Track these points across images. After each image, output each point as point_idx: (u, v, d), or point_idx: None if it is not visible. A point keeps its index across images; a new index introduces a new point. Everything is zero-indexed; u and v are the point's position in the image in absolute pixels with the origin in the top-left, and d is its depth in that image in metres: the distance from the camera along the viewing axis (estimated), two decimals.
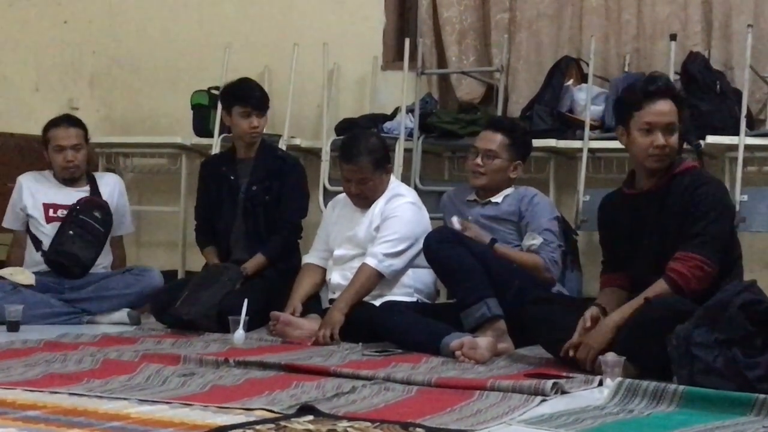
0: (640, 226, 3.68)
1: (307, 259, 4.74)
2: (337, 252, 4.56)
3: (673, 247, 3.55)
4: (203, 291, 4.58)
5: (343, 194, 4.64)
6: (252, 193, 4.91)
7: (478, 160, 4.40)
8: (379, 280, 4.39)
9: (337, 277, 4.51)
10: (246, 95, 4.89)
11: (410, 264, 4.46)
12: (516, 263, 4.21)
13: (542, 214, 4.35)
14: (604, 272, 3.88)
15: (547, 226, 4.32)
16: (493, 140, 4.39)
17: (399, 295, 4.41)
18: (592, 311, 3.60)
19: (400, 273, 4.44)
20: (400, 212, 4.45)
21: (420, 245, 4.35)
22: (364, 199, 4.52)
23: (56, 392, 2.93)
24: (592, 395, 3.10)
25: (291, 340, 4.22)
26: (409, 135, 5.54)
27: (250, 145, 4.95)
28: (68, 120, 5.16)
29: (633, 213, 3.70)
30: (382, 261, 4.36)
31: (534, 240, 4.26)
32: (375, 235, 4.43)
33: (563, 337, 3.60)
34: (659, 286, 3.48)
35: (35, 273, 4.92)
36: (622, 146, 5.15)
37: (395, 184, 4.60)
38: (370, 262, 4.36)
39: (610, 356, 3.32)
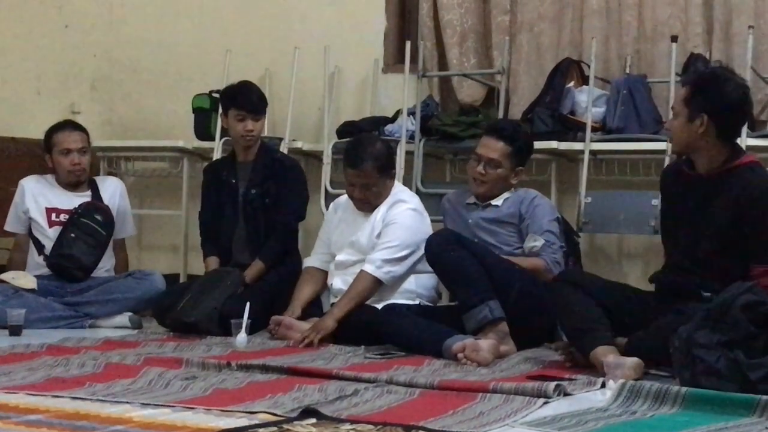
0: (687, 207, 3.67)
1: (308, 262, 4.74)
2: (339, 257, 4.56)
3: (711, 237, 3.56)
4: (205, 294, 4.58)
5: (345, 196, 4.64)
6: (251, 196, 4.90)
7: (480, 169, 4.38)
8: (378, 286, 4.38)
9: (339, 282, 4.50)
10: (241, 98, 4.89)
11: (411, 270, 4.45)
12: (517, 266, 4.21)
13: (543, 215, 4.34)
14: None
15: (548, 227, 4.32)
16: (496, 149, 4.36)
17: (401, 300, 4.40)
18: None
19: (400, 279, 4.43)
20: (401, 219, 4.44)
21: (421, 252, 4.34)
22: (367, 204, 4.51)
23: (59, 396, 2.93)
24: (594, 397, 3.10)
25: (295, 344, 4.21)
26: (411, 137, 5.53)
27: (247, 148, 4.95)
28: (72, 124, 5.19)
29: (686, 192, 3.70)
30: (381, 267, 4.35)
31: (536, 242, 4.26)
32: (377, 242, 4.43)
33: (583, 327, 3.59)
34: None
35: (37, 277, 4.92)
36: (623, 148, 5.20)
37: (398, 189, 4.60)
38: (369, 268, 4.35)
39: (613, 358, 3.32)
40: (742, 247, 3.54)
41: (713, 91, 3.58)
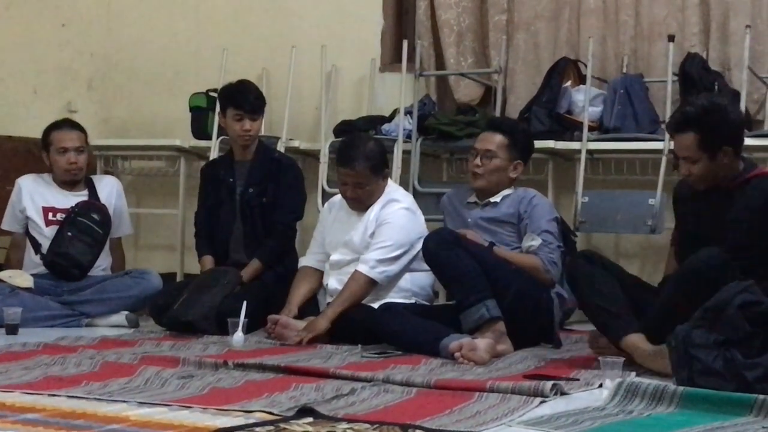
0: (703, 217, 3.75)
1: (303, 261, 4.73)
2: (334, 257, 4.56)
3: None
4: (202, 293, 4.57)
5: (340, 196, 4.64)
6: (249, 195, 4.90)
7: (477, 161, 4.39)
8: (372, 286, 4.37)
9: (334, 282, 4.50)
10: (239, 99, 4.89)
11: (405, 269, 4.44)
12: (514, 265, 4.21)
13: (541, 215, 4.34)
14: (672, 245, 4.03)
15: (546, 227, 4.31)
16: (492, 140, 4.38)
17: (397, 298, 4.40)
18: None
19: (395, 278, 4.43)
20: (394, 218, 4.44)
21: (415, 251, 4.34)
22: (360, 203, 4.51)
23: (55, 395, 2.92)
24: (591, 396, 3.10)
25: (289, 343, 4.21)
26: (408, 137, 5.54)
27: (244, 147, 4.94)
28: (70, 123, 5.19)
29: (700, 202, 3.78)
30: (374, 267, 4.35)
31: (533, 241, 4.26)
32: (370, 242, 4.43)
33: (612, 310, 3.64)
34: None
35: (34, 275, 4.92)
36: (620, 148, 5.21)
37: (392, 188, 4.59)
38: (362, 268, 4.35)
39: (610, 357, 3.32)
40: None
41: (722, 124, 3.66)
